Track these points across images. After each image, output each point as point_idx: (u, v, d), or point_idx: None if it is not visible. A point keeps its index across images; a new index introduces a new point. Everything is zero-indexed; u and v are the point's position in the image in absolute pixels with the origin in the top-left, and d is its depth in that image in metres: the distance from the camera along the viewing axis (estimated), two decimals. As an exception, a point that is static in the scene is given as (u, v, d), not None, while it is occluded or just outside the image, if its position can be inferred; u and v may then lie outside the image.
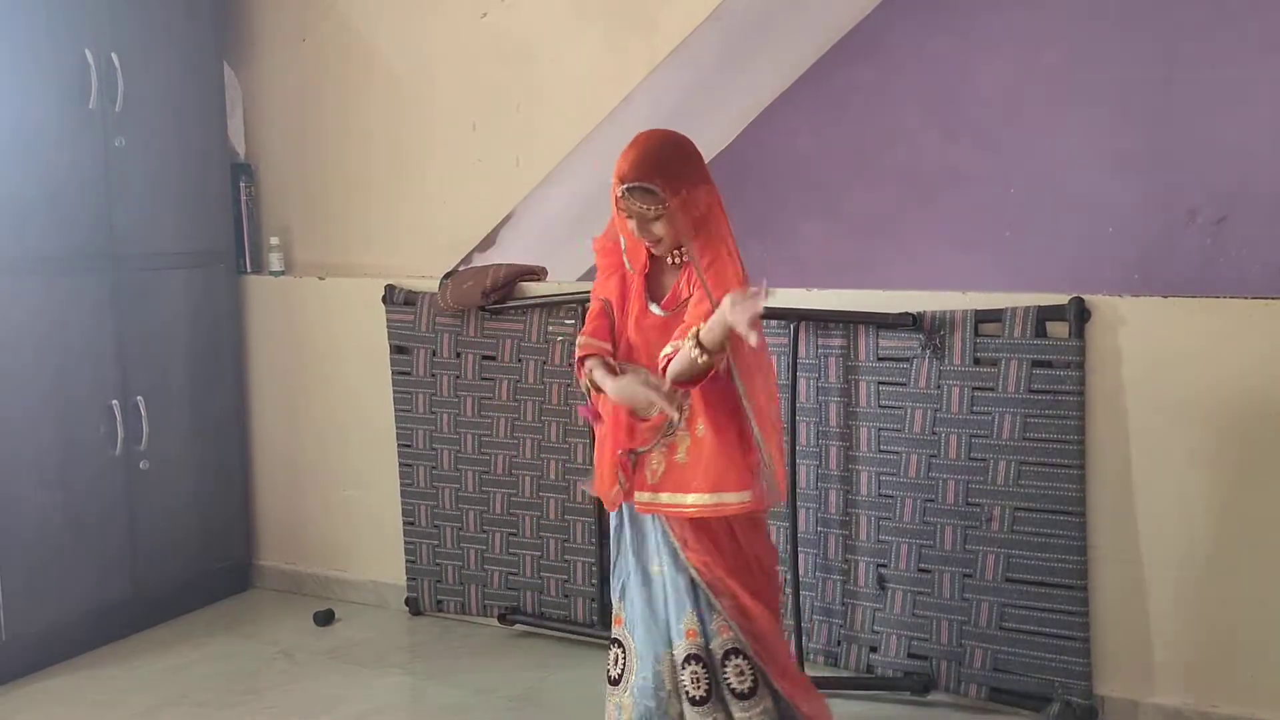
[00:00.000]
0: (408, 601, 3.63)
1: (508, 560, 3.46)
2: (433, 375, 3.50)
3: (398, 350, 3.56)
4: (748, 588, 2.25)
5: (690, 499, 2.21)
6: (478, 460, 3.46)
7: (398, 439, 3.57)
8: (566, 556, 3.36)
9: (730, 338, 2.04)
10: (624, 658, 2.34)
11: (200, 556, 3.74)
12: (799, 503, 3.00)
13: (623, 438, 2.27)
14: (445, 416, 3.49)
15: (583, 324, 3.24)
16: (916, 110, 4.14)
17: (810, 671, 3.00)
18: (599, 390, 2.27)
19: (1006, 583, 2.81)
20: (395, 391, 3.56)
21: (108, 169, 3.39)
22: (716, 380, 2.15)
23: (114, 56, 3.37)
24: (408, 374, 3.54)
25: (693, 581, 2.25)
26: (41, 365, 3.24)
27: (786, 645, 2.38)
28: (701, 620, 2.24)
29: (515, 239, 3.72)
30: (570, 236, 4.00)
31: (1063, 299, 2.73)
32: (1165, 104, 3.78)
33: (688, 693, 2.25)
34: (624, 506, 2.34)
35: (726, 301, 1.99)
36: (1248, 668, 2.66)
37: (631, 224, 2.18)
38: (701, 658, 2.24)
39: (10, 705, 3.07)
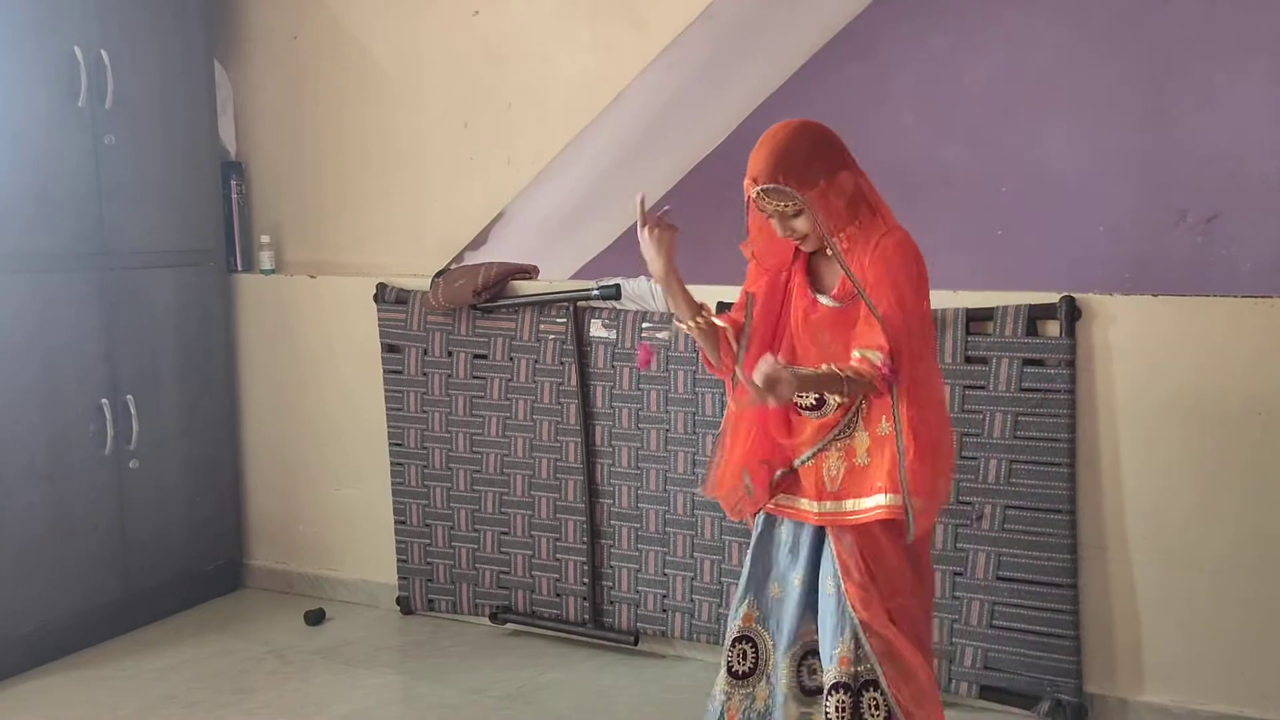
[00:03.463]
0: (399, 600, 3.62)
1: (499, 559, 3.45)
2: (424, 374, 3.49)
3: (389, 349, 3.55)
4: (904, 629, 2.13)
5: (869, 501, 2.09)
6: (469, 459, 3.46)
7: (389, 438, 3.57)
8: (558, 555, 3.36)
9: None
10: (755, 653, 2.26)
11: (191, 556, 3.73)
12: (790, 501, 3.00)
13: (775, 442, 2.18)
14: (437, 415, 3.49)
15: (572, 321, 3.26)
16: (908, 109, 4.14)
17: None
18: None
19: (997, 581, 2.81)
20: (386, 390, 3.56)
21: (97, 167, 3.37)
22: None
23: (103, 54, 3.35)
24: (399, 373, 3.53)
25: (845, 609, 2.13)
26: (30, 364, 3.23)
27: (937, 693, 2.20)
28: (855, 648, 2.13)
29: (506, 237, 3.71)
30: (562, 235, 4.00)
31: (1054, 298, 2.74)
32: (1156, 103, 3.79)
33: (829, 718, 2.15)
34: (766, 513, 2.25)
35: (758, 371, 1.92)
36: (1237, 665, 2.66)
37: (774, 223, 2.10)
38: (850, 686, 2.13)
39: (0, 706, 3.05)
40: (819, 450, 2.15)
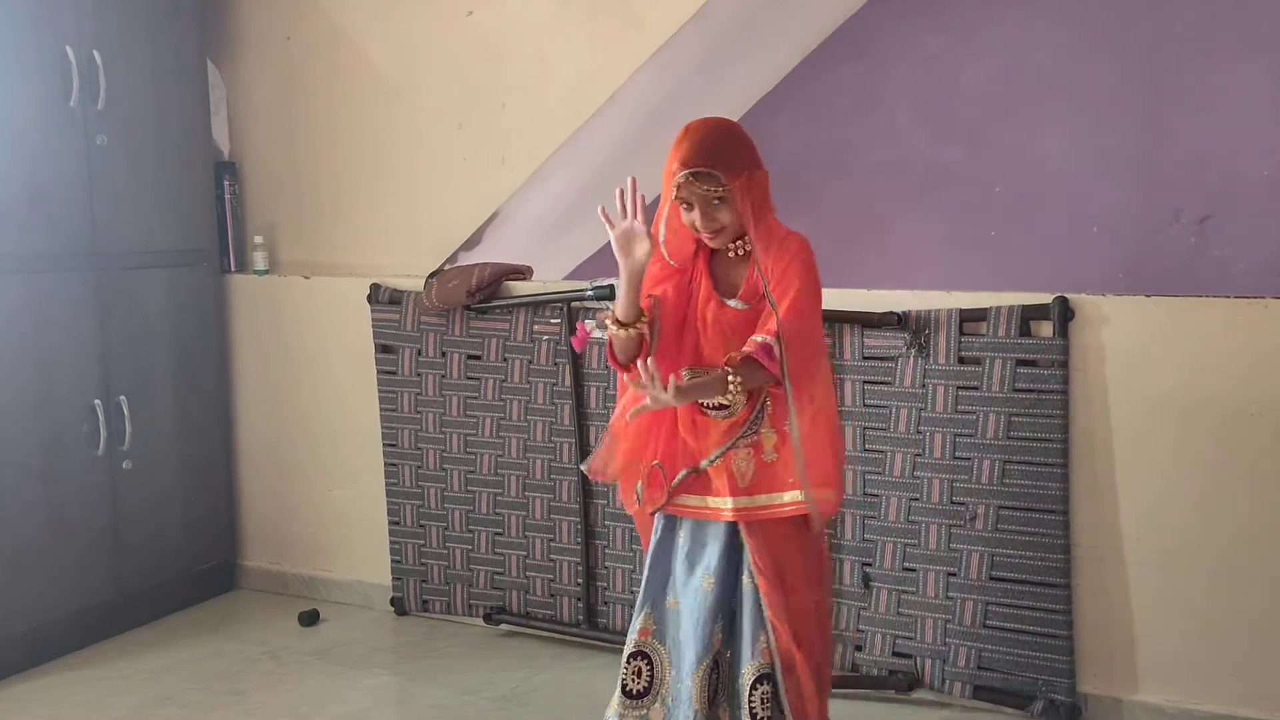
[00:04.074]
0: (393, 601, 3.62)
1: (493, 560, 3.45)
2: (418, 375, 3.49)
3: (383, 349, 3.55)
4: (798, 627, 2.18)
5: (787, 497, 2.15)
6: (463, 460, 3.45)
7: (383, 438, 3.56)
8: (552, 556, 3.36)
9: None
10: (651, 671, 2.25)
11: (184, 557, 3.73)
12: (784, 502, 3.00)
13: (674, 444, 2.20)
14: (431, 416, 3.48)
15: (566, 322, 3.26)
16: (903, 109, 4.14)
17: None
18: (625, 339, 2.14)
19: (991, 581, 2.82)
20: (380, 391, 3.55)
21: (90, 167, 3.37)
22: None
23: (96, 54, 3.34)
24: (393, 373, 3.53)
25: (759, 600, 2.18)
26: (23, 365, 3.22)
27: (823, 691, 2.25)
28: (768, 638, 2.18)
29: (501, 238, 3.71)
30: (556, 236, 4.00)
31: (1047, 298, 2.74)
32: (1150, 104, 3.79)
33: (755, 713, 2.17)
34: (666, 514, 2.25)
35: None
36: (1230, 665, 2.67)
37: (693, 214, 2.12)
38: (771, 676, 2.18)
39: (-7, 707, 3.06)
40: (727, 449, 2.17)
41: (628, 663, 2.28)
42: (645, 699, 2.26)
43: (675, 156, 2.10)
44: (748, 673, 2.19)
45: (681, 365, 2.19)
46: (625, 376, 2.16)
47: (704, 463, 2.18)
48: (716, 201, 2.10)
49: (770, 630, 2.17)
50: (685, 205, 2.13)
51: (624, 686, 2.27)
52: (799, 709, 2.19)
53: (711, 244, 2.18)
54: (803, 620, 2.19)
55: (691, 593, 2.22)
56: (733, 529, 2.20)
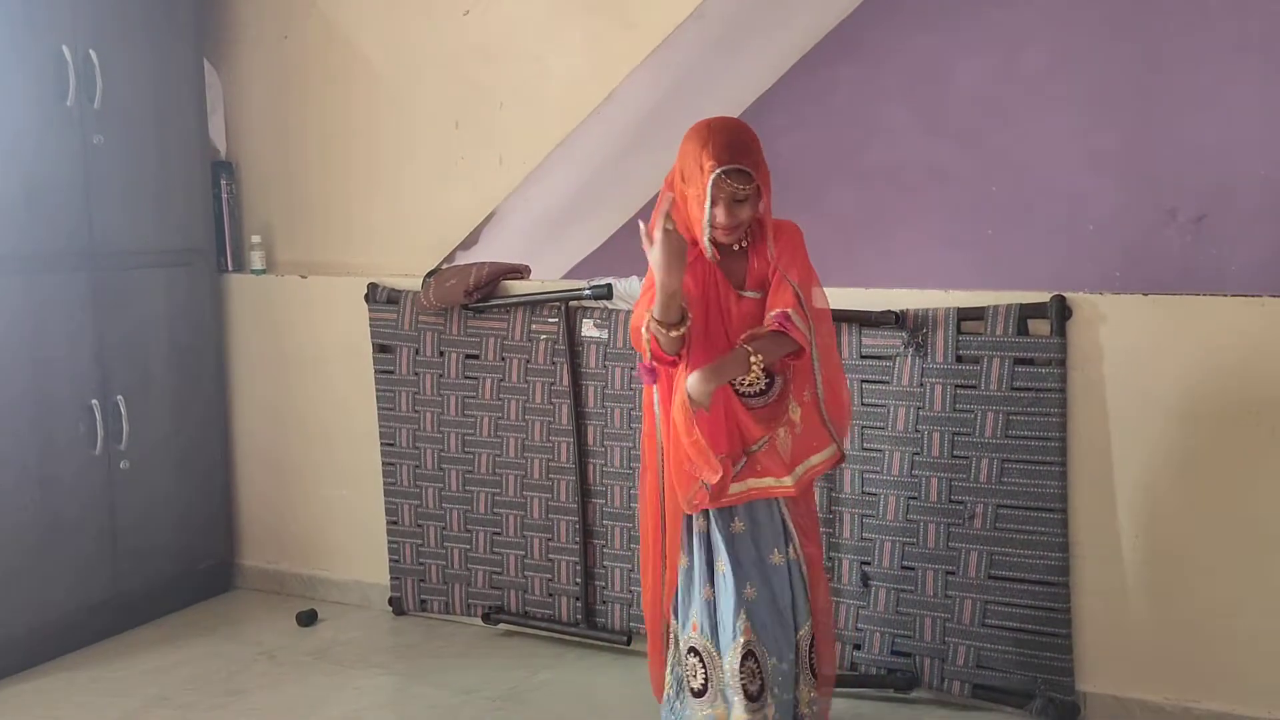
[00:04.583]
0: (391, 601, 3.62)
1: (491, 559, 3.45)
2: (415, 374, 3.49)
3: (380, 349, 3.54)
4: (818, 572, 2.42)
5: (824, 454, 2.36)
6: (461, 459, 3.45)
7: (380, 438, 3.56)
8: (550, 555, 3.36)
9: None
10: (704, 667, 2.31)
11: (182, 557, 3.72)
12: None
13: (731, 435, 2.27)
14: (428, 415, 3.48)
15: (564, 321, 3.25)
16: (899, 109, 4.14)
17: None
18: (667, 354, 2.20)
19: (989, 580, 2.82)
20: (378, 390, 3.55)
21: (87, 167, 3.36)
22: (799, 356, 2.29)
23: (92, 53, 3.34)
24: (390, 373, 3.53)
25: (803, 571, 2.36)
26: (20, 364, 3.21)
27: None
28: (810, 600, 2.37)
29: (498, 237, 3.71)
30: (553, 235, 4.00)
31: (1044, 297, 2.74)
32: (1145, 103, 3.80)
33: (815, 670, 2.35)
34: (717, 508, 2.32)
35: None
36: (1229, 663, 2.67)
37: (717, 210, 2.18)
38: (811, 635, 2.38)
39: (-10, 708, 3.05)
40: (769, 438, 2.30)
41: (688, 656, 2.34)
42: (707, 695, 2.31)
43: (706, 155, 2.15)
44: (805, 634, 2.33)
45: (713, 354, 2.26)
46: (653, 371, 2.31)
47: (755, 446, 2.29)
48: (741, 200, 2.19)
49: (810, 591, 2.36)
50: (710, 202, 2.17)
51: (686, 684, 2.34)
52: (829, 656, 2.44)
53: (725, 240, 2.24)
54: (819, 572, 2.41)
55: (770, 573, 2.31)
56: (777, 501, 2.33)
